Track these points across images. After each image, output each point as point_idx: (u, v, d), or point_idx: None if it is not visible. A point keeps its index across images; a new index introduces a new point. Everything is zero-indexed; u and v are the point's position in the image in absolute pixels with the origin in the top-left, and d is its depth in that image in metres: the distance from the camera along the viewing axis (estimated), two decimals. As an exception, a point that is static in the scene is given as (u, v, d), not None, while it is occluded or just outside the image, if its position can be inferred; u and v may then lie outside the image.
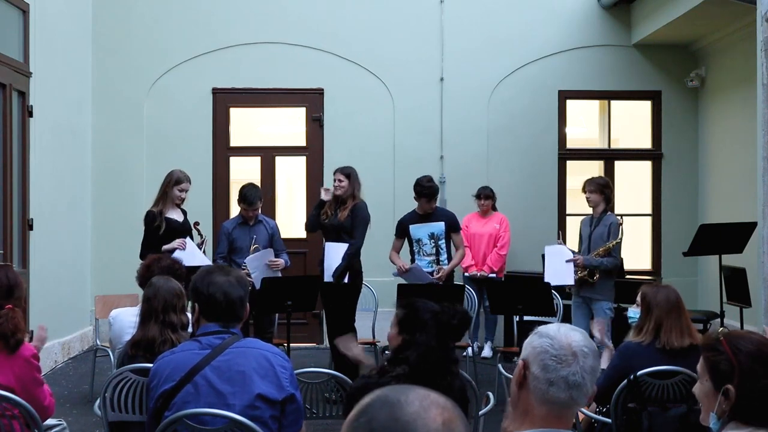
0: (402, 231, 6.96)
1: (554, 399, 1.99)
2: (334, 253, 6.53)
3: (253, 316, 6.32)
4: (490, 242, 8.24)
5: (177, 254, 6.23)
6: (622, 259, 7.12)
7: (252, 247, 6.57)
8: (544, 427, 1.98)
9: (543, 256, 6.85)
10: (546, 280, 6.31)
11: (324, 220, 6.69)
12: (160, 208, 6.44)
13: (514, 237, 9.02)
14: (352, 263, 6.54)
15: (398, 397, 1.33)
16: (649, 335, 4.04)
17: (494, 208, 8.47)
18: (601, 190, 6.48)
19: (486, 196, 8.34)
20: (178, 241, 6.33)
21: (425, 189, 6.80)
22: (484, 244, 8.20)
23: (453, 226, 6.89)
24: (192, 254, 6.30)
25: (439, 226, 6.83)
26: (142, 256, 6.45)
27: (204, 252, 6.58)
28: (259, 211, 6.76)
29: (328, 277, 6.55)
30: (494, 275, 8.09)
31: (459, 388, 3.16)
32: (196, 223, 6.63)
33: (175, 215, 6.51)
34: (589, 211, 6.65)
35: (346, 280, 6.53)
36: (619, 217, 6.58)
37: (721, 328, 6.53)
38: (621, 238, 6.37)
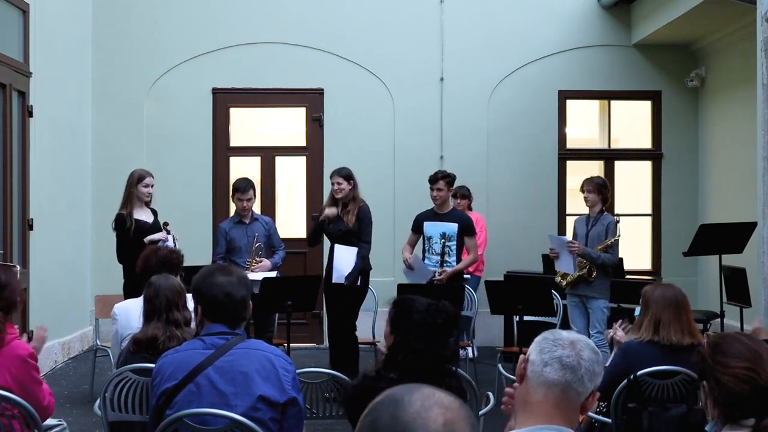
0: (417, 226, 6.95)
1: (548, 381, 2.00)
2: (344, 255, 6.53)
3: (253, 316, 6.32)
4: None
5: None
6: (621, 258, 7.12)
7: (255, 245, 6.55)
8: (540, 415, 1.99)
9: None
10: (557, 268, 6.44)
11: (328, 226, 6.68)
12: (129, 209, 6.40)
13: (514, 237, 9.03)
14: (365, 266, 6.59)
15: (403, 395, 1.34)
16: (647, 332, 4.04)
17: (470, 208, 8.32)
18: (599, 190, 6.50)
19: (462, 196, 8.16)
20: (160, 234, 6.33)
21: (431, 175, 6.87)
22: None
23: (466, 229, 6.84)
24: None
25: (451, 227, 6.80)
26: (119, 260, 6.45)
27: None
28: (253, 204, 6.72)
29: (337, 278, 6.54)
30: (468, 276, 7.80)
31: (456, 388, 3.15)
32: (165, 224, 6.54)
33: (145, 216, 6.48)
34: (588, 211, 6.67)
35: (358, 283, 6.59)
36: (615, 217, 6.60)
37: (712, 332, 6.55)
38: (619, 236, 6.38)
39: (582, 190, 6.61)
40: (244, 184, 6.66)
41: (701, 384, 2.42)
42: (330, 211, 6.61)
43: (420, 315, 3.11)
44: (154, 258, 4.57)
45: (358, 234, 6.60)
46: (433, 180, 6.84)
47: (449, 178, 6.85)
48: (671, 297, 4.02)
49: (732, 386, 2.33)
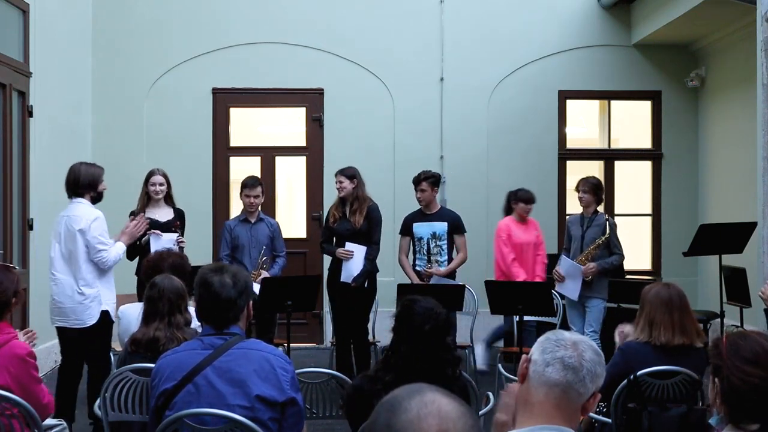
0: (406, 229, 6.95)
1: (550, 381, 1.99)
2: (355, 254, 6.53)
3: (254, 316, 6.30)
4: (534, 251, 7.32)
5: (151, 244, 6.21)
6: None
7: (261, 259, 6.49)
8: (541, 415, 1.98)
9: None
10: (558, 290, 6.44)
11: (333, 224, 6.66)
12: (139, 208, 6.47)
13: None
14: (372, 268, 6.61)
15: (402, 401, 1.31)
16: (642, 332, 4.05)
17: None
18: (594, 191, 6.52)
19: (533, 200, 7.36)
20: (151, 233, 6.28)
21: (415, 177, 6.89)
22: (530, 253, 7.26)
23: (456, 227, 6.87)
24: (159, 246, 6.17)
25: (441, 226, 6.82)
26: (128, 257, 6.46)
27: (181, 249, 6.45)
28: (260, 201, 6.69)
29: (345, 277, 6.53)
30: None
31: (460, 390, 3.14)
32: (176, 225, 6.53)
33: (158, 215, 6.48)
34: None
35: (365, 285, 6.60)
36: (607, 216, 6.60)
37: (735, 328, 6.54)
38: (609, 235, 6.38)
39: (577, 189, 6.64)
40: (252, 181, 6.71)
41: (713, 378, 2.40)
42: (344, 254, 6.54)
43: (418, 318, 3.11)
44: (164, 265, 4.54)
45: (367, 234, 6.59)
46: (417, 181, 6.88)
47: (433, 179, 6.88)
48: (665, 297, 4.02)
49: (743, 391, 2.31)
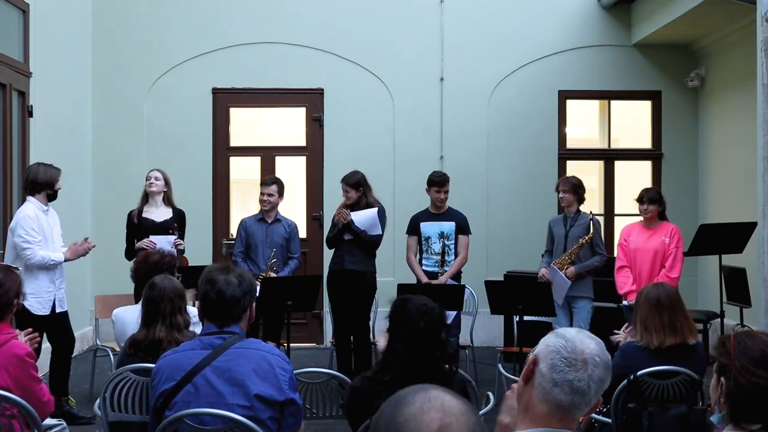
0: (414, 228, 6.94)
1: (555, 400, 1.97)
2: (368, 217, 6.52)
3: (262, 317, 6.32)
4: (657, 261, 6.40)
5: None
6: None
7: (271, 261, 6.49)
8: (543, 425, 1.98)
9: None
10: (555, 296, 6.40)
11: (343, 228, 6.63)
12: (139, 207, 6.53)
13: (514, 237, 9.01)
14: (371, 244, 6.59)
15: (406, 396, 1.33)
16: (640, 336, 4.06)
17: (663, 217, 6.64)
18: (575, 190, 6.53)
19: (650, 200, 6.47)
20: (144, 241, 6.33)
21: (435, 176, 6.86)
22: (648, 263, 6.40)
23: (462, 227, 6.87)
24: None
25: (449, 226, 6.82)
26: (126, 255, 6.52)
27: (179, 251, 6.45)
28: (276, 201, 6.66)
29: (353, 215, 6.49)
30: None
31: (458, 388, 3.13)
32: (174, 226, 6.55)
33: (156, 215, 6.50)
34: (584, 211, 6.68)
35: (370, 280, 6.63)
36: (590, 214, 6.59)
37: (743, 327, 6.53)
38: (592, 235, 6.38)
39: (557, 190, 6.65)
40: (268, 180, 6.75)
41: (717, 377, 2.40)
42: (341, 215, 6.52)
43: (412, 315, 3.11)
44: (144, 265, 4.55)
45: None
46: (442, 183, 6.81)
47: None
48: (654, 298, 4.03)
49: (750, 392, 2.31)
